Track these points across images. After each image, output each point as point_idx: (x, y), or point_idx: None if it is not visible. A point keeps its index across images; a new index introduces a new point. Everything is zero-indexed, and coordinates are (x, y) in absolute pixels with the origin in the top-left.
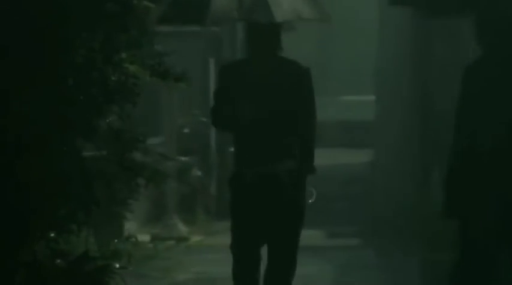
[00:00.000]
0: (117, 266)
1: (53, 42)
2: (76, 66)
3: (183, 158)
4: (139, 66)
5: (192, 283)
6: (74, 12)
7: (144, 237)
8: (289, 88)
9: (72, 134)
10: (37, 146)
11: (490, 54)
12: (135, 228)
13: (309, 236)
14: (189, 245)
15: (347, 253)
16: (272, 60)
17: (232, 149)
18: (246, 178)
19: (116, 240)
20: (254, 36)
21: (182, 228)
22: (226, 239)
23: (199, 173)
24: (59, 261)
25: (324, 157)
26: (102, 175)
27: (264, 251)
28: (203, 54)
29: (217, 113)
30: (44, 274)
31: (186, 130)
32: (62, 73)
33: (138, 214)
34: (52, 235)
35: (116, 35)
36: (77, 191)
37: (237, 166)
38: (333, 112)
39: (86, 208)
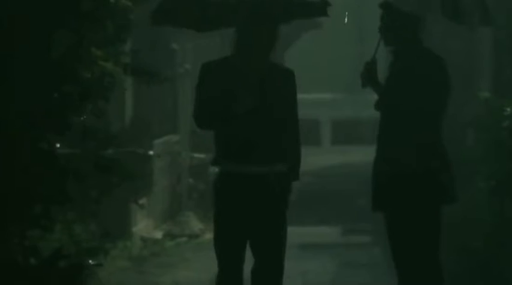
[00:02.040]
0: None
1: (26, 39)
2: (50, 63)
3: (199, 156)
4: (112, 64)
5: (193, 279)
6: (47, 8)
7: (157, 235)
8: (277, 89)
9: (46, 131)
10: (10, 143)
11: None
12: (152, 225)
13: (323, 233)
14: (201, 241)
15: (355, 251)
16: (259, 60)
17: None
18: (234, 178)
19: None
20: (252, 36)
21: (195, 225)
22: None
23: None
24: (32, 258)
25: (360, 155)
26: (75, 173)
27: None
28: (224, 52)
29: (203, 109)
30: (17, 271)
31: None
32: (36, 69)
33: (155, 211)
34: (26, 232)
35: (90, 32)
36: (50, 188)
37: (223, 166)
38: (372, 111)
39: (59, 205)
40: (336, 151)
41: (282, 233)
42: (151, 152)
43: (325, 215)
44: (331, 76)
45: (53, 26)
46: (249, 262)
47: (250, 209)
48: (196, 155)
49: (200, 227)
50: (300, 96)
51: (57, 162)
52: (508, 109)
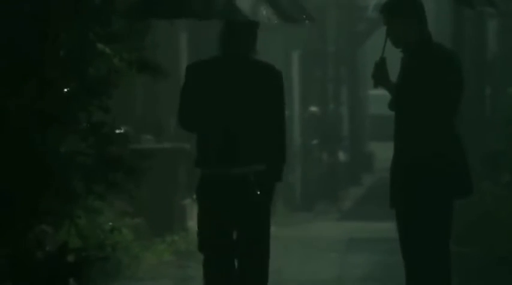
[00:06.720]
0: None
1: (33, 35)
2: (57, 59)
3: None
4: (119, 60)
5: None
6: (54, 3)
7: None
8: (261, 90)
9: (53, 127)
10: (18, 139)
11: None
12: None
13: (379, 228)
14: None
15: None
16: (245, 60)
17: (314, 142)
18: (214, 180)
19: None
20: (230, 34)
21: None
22: (296, 231)
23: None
24: (39, 252)
25: None
26: (80, 168)
27: None
28: (285, 47)
29: (186, 112)
30: (25, 265)
31: None
32: (43, 65)
33: None
34: (34, 227)
35: (97, 29)
36: (57, 184)
37: (205, 168)
38: None
39: (66, 201)
40: None
41: (264, 233)
42: None
43: (390, 211)
44: None
45: (60, 22)
46: None
47: (232, 211)
48: None
49: None
50: (380, 92)
51: (63, 158)
52: None
